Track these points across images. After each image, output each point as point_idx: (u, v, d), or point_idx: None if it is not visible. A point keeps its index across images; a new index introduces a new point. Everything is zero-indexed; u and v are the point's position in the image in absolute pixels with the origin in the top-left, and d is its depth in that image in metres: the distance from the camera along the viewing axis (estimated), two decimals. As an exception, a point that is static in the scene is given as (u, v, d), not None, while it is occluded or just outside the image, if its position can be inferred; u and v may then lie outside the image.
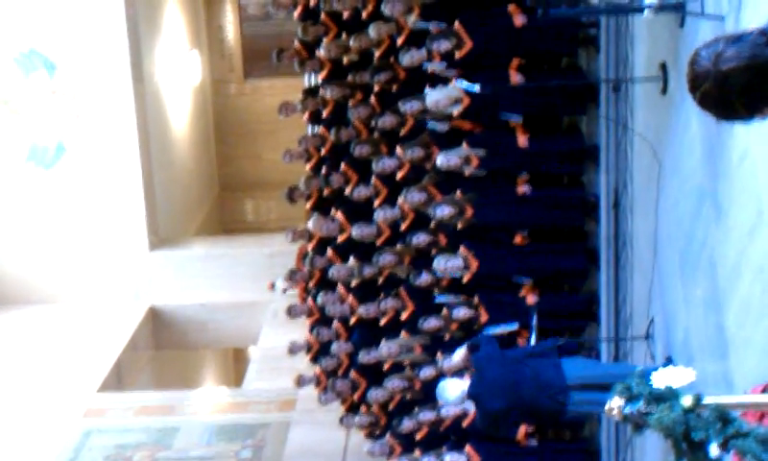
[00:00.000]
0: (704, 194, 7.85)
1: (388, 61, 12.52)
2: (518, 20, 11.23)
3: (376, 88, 12.75)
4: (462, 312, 11.75)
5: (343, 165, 13.21)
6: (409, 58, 11.73)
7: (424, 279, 11.97)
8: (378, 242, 12.70)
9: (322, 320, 13.75)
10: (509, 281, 11.88)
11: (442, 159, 11.53)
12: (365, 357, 12.78)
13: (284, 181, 15.17)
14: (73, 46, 18.44)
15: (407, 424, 12.14)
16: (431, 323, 11.92)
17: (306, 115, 14.00)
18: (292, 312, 13.98)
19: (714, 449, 4.11)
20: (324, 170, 13.59)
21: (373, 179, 12.69)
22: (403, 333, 12.45)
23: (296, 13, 13.72)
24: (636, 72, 10.19)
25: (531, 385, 9.13)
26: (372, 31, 12.31)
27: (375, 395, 12.65)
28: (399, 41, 12.11)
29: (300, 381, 13.92)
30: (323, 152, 13.76)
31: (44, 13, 18.24)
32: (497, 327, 11.49)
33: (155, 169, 19.63)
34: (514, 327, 11.44)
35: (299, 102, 13.91)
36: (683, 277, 8.61)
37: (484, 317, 11.68)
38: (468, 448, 11.49)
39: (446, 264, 11.62)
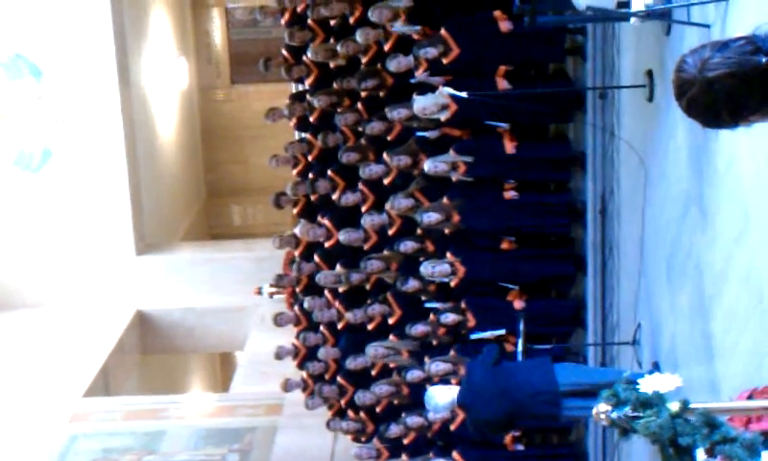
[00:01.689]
0: (690, 201, 7.88)
1: (375, 68, 12.52)
2: (504, 26, 11.23)
3: (364, 95, 12.75)
4: (449, 317, 11.75)
5: (330, 171, 13.21)
6: (396, 64, 11.73)
7: (412, 284, 11.97)
8: (365, 248, 12.70)
9: (309, 326, 13.75)
10: (496, 287, 11.88)
11: (429, 166, 11.52)
12: (352, 363, 12.78)
13: (271, 187, 15.19)
14: (59, 51, 18.40)
15: (394, 429, 12.12)
16: (419, 328, 11.92)
17: (293, 121, 14.00)
18: (279, 321, 13.97)
19: (701, 455, 4.12)
20: (311, 176, 13.59)
21: (360, 185, 12.69)
22: (391, 337, 12.45)
23: (283, 19, 13.72)
24: (622, 79, 10.21)
25: (523, 391, 9.10)
26: (360, 37, 12.31)
27: (363, 398, 12.62)
28: (387, 47, 12.11)
29: (287, 386, 13.91)
30: (310, 157, 13.76)
31: (30, 19, 18.20)
32: (484, 333, 11.49)
33: (141, 174, 19.60)
34: (500, 332, 11.44)
35: (286, 107, 13.91)
36: (669, 283, 8.64)
37: (471, 322, 11.68)
38: (454, 453, 11.50)
39: (434, 269, 11.63)
